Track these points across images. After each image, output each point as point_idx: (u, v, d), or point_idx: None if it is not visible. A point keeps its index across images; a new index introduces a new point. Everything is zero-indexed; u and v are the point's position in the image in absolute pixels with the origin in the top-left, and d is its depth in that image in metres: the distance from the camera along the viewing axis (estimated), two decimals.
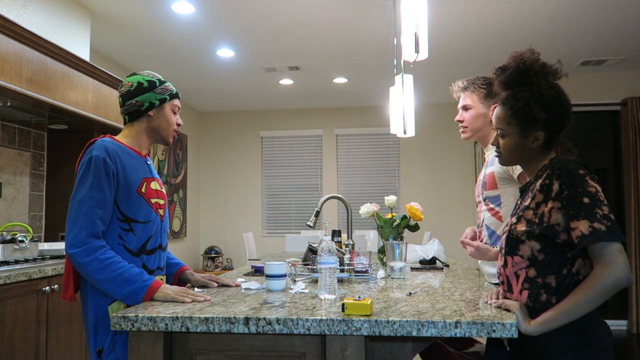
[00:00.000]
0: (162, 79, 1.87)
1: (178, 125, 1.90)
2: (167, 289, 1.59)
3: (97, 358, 1.63)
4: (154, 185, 1.81)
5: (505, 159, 1.56)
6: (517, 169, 1.89)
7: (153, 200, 1.78)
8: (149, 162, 1.88)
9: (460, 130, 2.21)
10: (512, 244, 1.44)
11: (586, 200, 1.30)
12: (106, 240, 1.67)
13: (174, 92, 1.88)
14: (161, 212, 1.82)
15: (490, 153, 2.11)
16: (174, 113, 1.88)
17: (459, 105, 2.20)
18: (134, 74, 1.86)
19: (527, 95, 1.48)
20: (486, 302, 1.49)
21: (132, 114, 1.82)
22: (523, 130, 1.49)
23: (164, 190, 1.88)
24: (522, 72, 1.50)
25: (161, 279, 1.83)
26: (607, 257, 1.26)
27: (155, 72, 1.90)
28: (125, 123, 1.85)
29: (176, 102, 1.89)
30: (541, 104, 1.46)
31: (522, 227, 1.41)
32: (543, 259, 1.37)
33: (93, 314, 1.64)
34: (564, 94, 1.49)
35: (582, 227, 1.28)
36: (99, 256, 1.58)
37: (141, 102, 1.81)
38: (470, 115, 2.14)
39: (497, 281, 1.89)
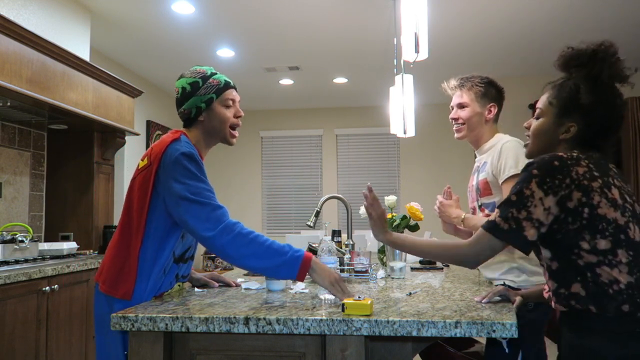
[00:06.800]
0: (208, 74, 1.73)
1: (237, 117, 1.77)
2: (324, 278, 1.48)
3: None
4: None
5: (531, 145, 1.45)
6: (503, 175, 1.88)
7: None
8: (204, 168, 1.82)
9: (454, 129, 2.11)
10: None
11: (513, 198, 1.28)
12: (166, 242, 1.60)
13: (222, 85, 1.73)
14: None
15: (481, 158, 2.09)
16: (228, 107, 1.74)
17: (454, 103, 2.11)
18: (181, 76, 1.75)
19: (582, 75, 1.36)
20: (478, 301, 1.49)
21: (185, 122, 1.75)
22: (560, 116, 1.37)
23: None
24: (589, 53, 1.36)
25: (179, 285, 1.81)
26: (476, 238, 1.34)
27: (202, 67, 1.75)
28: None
29: (227, 95, 1.74)
30: (591, 91, 1.33)
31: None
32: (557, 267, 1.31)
33: None
34: (622, 102, 1.36)
35: (493, 215, 1.32)
36: (241, 231, 1.49)
37: (188, 109, 1.71)
38: (466, 113, 2.06)
39: (496, 283, 1.90)
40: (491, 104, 2.06)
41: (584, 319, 1.24)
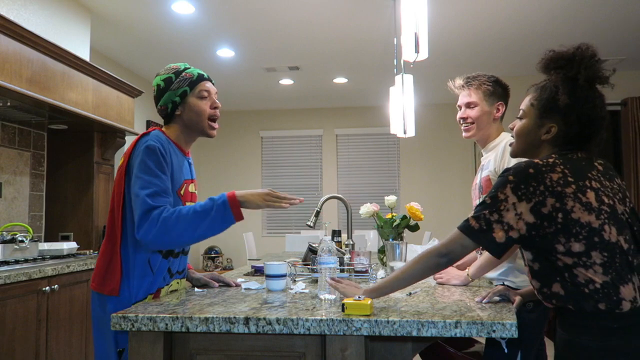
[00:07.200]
0: (181, 69, 1.75)
1: (214, 108, 1.76)
2: (256, 202, 1.58)
3: (116, 358, 1.61)
4: (191, 187, 1.79)
5: (514, 146, 1.49)
6: None
7: (187, 204, 1.74)
8: (190, 162, 1.83)
9: (463, 128, 2.08)
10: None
11: (488, 200, 1.32)
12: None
13: (194, 77, 1.74)
14: None
15: (486, 157, 2.09)
16: (203, 98, 1.74)
17: (461, 102, 2.09)
18: (157, 74, 1.77)
19: (560, 77, 1.39)
20: (478, 301, 1.50)
21: (165, 118, 1.77)
22: (540, 117, 1.41)
23: (196, 193, 1.84)
24: (568, 56, 1.38)
25: (177, 283, 1.82)
26: (450, 237, 1.35)
27: (176, 63, 1.78)
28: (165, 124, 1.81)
29: (201, 86, 1.74)
30: (568, 92, 1.36)
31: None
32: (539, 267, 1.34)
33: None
34: (602, 103, 1.38)
35: (469, 219, 1.34)
36: (164, 215, 1.52)
37: (164, 105, 1.73)
38: (475, 112, 2.04)
39: (496, 283, 1.90)
40: (499, 103, 2.06)
41: (568, 316, 1.29)
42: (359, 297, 1.32)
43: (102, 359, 1.64)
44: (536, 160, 1.33)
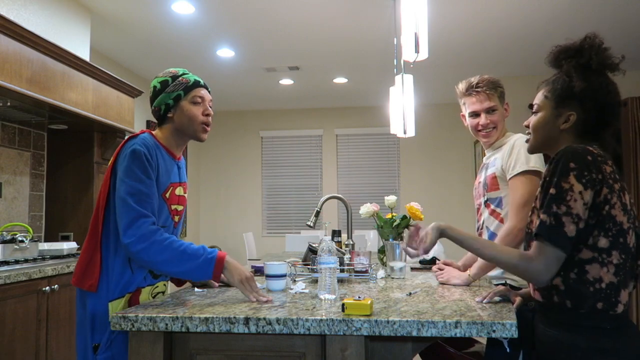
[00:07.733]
0: (178, 74, 1.77)
1: (206, 115, 1.77)
2: (234, 276, 1.58)
3: (92, 355, 1.62)
4: (178, 191, 1.79)
5: (532, 140, 1.46)
6: (513, 171, 1.89)
7: (173, 207, 1.76)
8: (180, 165, 1.83)
9: (485, 134, 2.05)
10: (527, 240, 1.39)
11: (553, 191, 1.25)
12: None
13: (190, 83, 1.76)
14: (177, 218, 1.80)
15: (491, 155, 2.09)
16: (196, 104, 1.75)
17: (479, 108, 2.04)
18: (155, 77, 1.80)
19: (572, 65, 1.37)
20: (478, 301, 1.50)
21: (158, 120, 1.79)
22: (556, 107, 1.38)
23: (186, 196, 1.85)
24: (578, 47, 1.38)
25: (164, 285, 1.82)
26: (537, 249, 1.26)
27: (175, 68, 1.81)
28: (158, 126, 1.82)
29: (195, 92, 1.76)
30: (583, 78, 1.35)
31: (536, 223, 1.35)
32: None
33: (91, 310, 1.63)
34: (615, 90, 1.37)
35: (541, 216, 1.26)
36: (157, 238, 1.55)
37: (158, 106, 1.76)
38: (497, 116, 2.03)
39: (497, 282, 1.90)
40: (506, 103, 2.09)
41: (558, 313, 1.29)
42: (359, 297, 1.32)
43: (81, 353, 1.66)
44: (589, 148, 1.28)
